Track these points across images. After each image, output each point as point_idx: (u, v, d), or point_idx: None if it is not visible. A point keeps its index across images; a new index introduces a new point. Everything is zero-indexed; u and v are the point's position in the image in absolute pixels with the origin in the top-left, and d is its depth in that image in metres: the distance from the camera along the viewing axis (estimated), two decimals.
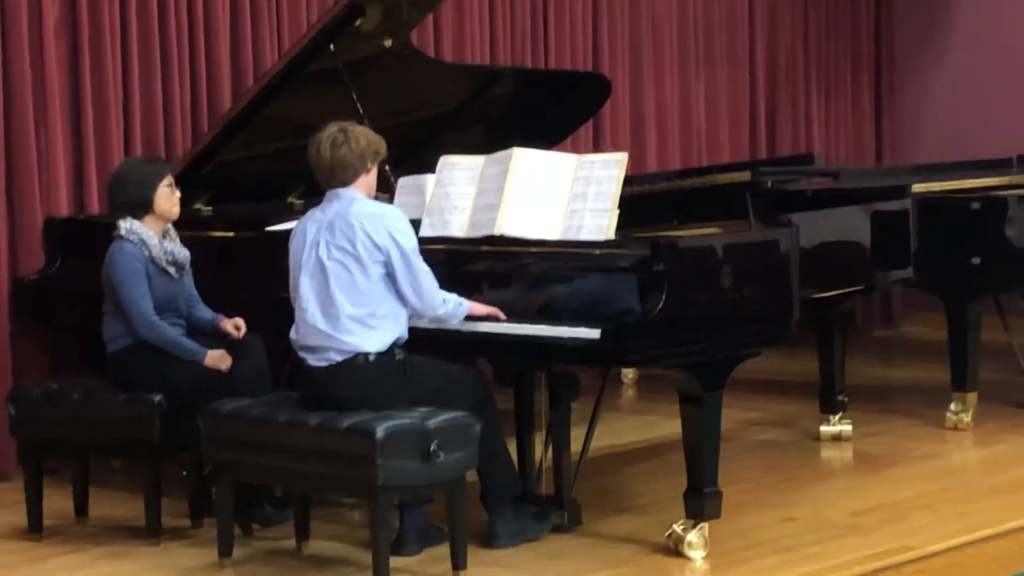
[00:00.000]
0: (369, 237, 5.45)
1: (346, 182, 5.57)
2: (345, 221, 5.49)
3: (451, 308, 5.58)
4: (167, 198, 6.15)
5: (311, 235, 5.56)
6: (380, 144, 5.66)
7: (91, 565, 5.84)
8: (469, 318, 5.66)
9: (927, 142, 11.24)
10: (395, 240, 5.46)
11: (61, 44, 7.47)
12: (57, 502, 6.36)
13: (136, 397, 5.99)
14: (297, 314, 5.59)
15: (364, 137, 5.60)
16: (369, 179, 5.64)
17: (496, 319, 5.68)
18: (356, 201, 5.55)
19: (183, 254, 6.19)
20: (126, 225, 6.09)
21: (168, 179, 6.17)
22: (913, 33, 11.43)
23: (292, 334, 5.61)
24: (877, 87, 11.46)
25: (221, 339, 6.17)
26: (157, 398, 5.94)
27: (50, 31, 7.37)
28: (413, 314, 5.59)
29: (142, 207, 6.12)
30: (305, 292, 5.55)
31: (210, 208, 7.23)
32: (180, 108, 7.85)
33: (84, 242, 7.26)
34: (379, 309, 5.48)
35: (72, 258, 7.29)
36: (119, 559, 5.88)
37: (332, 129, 5.60)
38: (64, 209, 7.43)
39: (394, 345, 5.53)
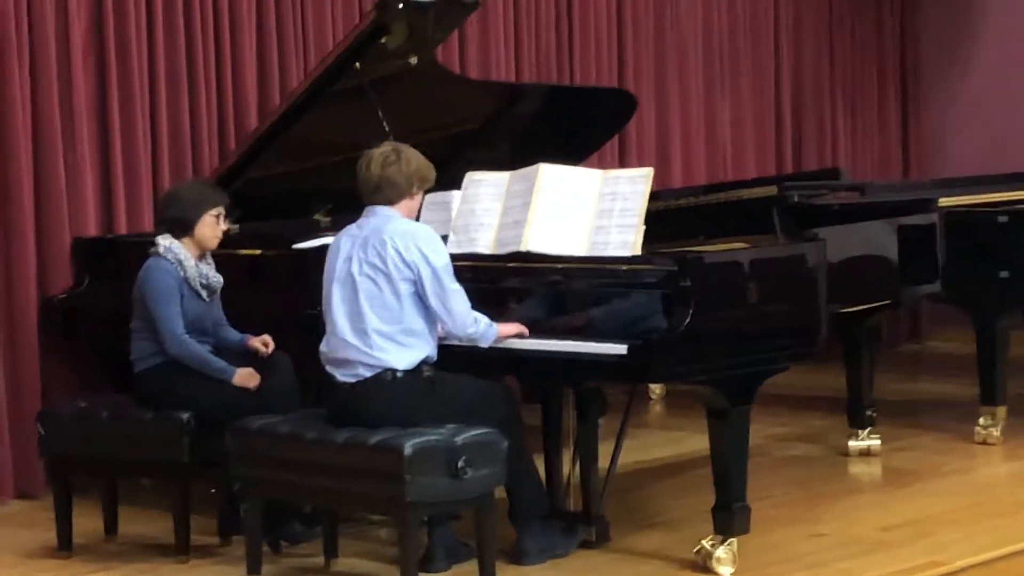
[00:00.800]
0: (399, 254, 5.47)
1: (390, 201, 5.60)
2: (378, 238, 5.51)
3: (482, 328, 5.58)
4: (211, 226, 6.18)
5: (345, 250, 5.59)
6: (430, 171, 5.69)
7: None
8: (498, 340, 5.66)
9: (953, 156, 11.21)
10: (425, 257, 5.47)
11: (88, 66, 7.50)
12: (86, 520, 6.37)
13: (164, 415, 6.00)
14: (328, 327, 5.61)
15: (416, 161, 5.64)
16: (412, 204, 5.68)
17: (522, 336, 5.69)
18: (392, 219, 5.57)
19: (217, 279, 6.21)
20: (165, 243, 6.11)
21: (219, 210, 6.20)
22: (938, 48, 11.42)
23: (322, 347, 5.63)
24: (903, 102, 11.45)
25: (250, 357, 6.18)
26: (185, 416, 5.96)
27: (78, 53, 7.40)
28: (445, 334, 5.59)
29: (183, 227, 6.15)
30: (336, 305, 5.56)
31: (237, 226, 7.24)
32: (207, 128, 7.87)
33: (111, 261, 7.29)
34: (409, 326, 5.49)
35: (99, 277, 7.32)
36: None
37: (386, 147, 5.66)
38: (92, 229, 7.46)
39: (423, 363, 5.53)
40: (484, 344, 5.61)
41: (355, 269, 5.53)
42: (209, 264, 6.23)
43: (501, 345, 5.66)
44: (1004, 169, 9.05)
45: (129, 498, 6.65)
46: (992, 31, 11.10)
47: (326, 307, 5.63)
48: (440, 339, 5.61)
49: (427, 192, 6.06)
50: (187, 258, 6.11)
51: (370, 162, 5.61)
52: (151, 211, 7.53)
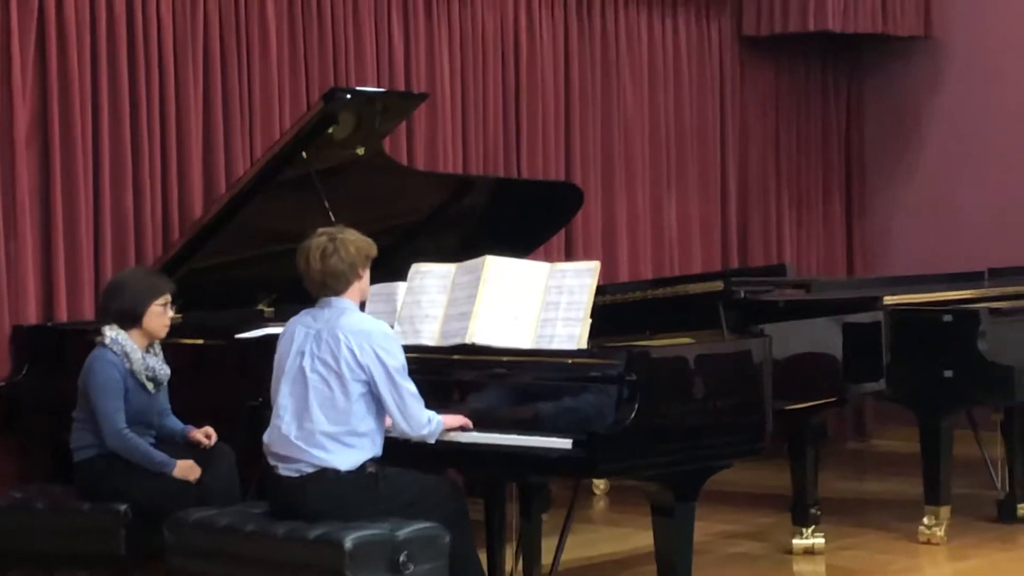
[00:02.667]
0: (353, 354, 5.40)
1: (338, 292, 5.53)
2: (332, 335, 5.43)
3: (434, 427, 5.52)
4: (159, 316, 6.12)
5: (298, 342, 5.51)
6: (370, 247, 5.62)
7: None
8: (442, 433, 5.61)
9: (898, 255, 11.27)
10: (380, 359, 5.40)
11: (32, 153, 7.45)
12: None
13: (102, 507, 5.91)
14: (273, 419, 5.53)
15: (353, 244, 5.54)
16: (362, 284, 5.61)
17: (465, 429, 5.64)
18: (346, 313, 5.50)
19: (164, 371, 6.14)
20: (111, 334, 6.03)
21: (165, 298, 6.14)
22: (883, 147, 11.50)
23: (265, 438, 5.55)
24: (848, 200, 11.51)
25: (191, 449, 6.11)
26: (123, 508, 5.88)
27: (21, 139, 7.36)
28: (399, 434, 5.52)
29: (131, 319, 6.08)
30: (283, 400, 5.49)
31: (180, 315, 7.17)
32: (151, 216, 7.82)
33: (52, 350, 7.21)
34: (356, 428, 5.42)
35: (39, 366, 7.23)
36: None
37: (321, 239, 5.55)
38: (32, 317, 7.38)
39: (367, 462, 5.46)
40: (432, 440, 5.55)
41: (307, 364, 5.46)
42: (156, 355, 6.16)
43: (445, 438, 5.61)
44: (948, 269, 9.09)
45: None
46: (936, 131, 11.18)
47: (273, 397, 5.56)
48: (386, 432, 5.54)
49: (373, 283, 6.02)
50: (133, 350, 6.04)
51: (308, 257, 5.52)
52: (92, 299, 7.45)
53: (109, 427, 5.94)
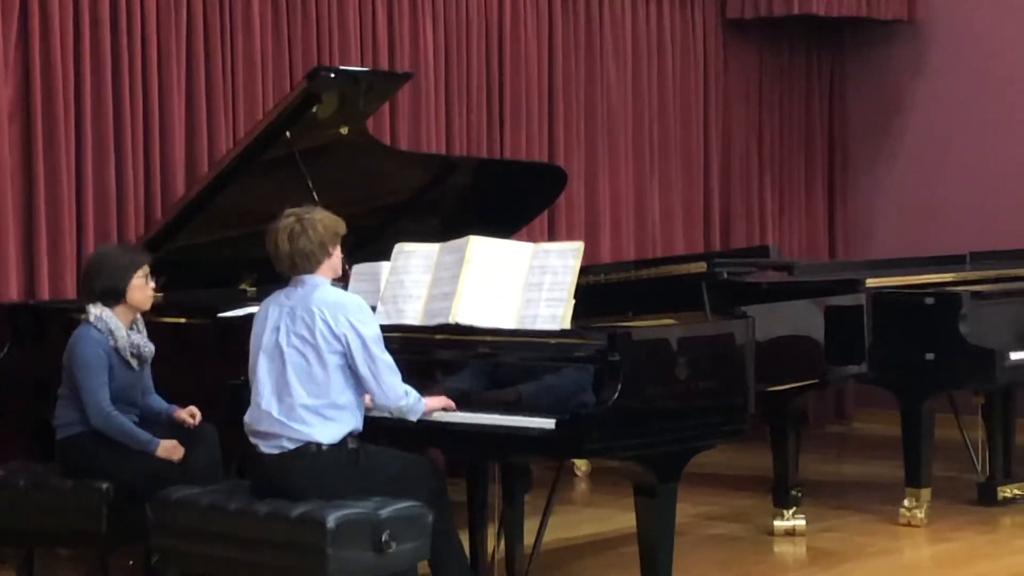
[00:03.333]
0: (328, 326, 5.40)
1: (309, 271, 5.52)
2: (306, 308, 5.44)
3: (412, 401, 5.51)
4: (141, 288, 6.10)
5: (273, 319, 5.51)
6: (338, 225, 5.61)
7: None
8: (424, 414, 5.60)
9: (880, 239, 11.29)
10: (355, 329, 5.40)
11: (14, 128, 7.44)
12: None
13: (84, 485, 5.90)
14: (252, 398, 5.52)
15: (321, 223, 5.54)
16: (333, 262, 5.59)
17: (448, 410, 5.63)
18: (319, 288, 5.50)
19: (148, 348, 6.12)
20: (95, 312, 6.01)
21: (144, 270, 6.12)
22: (865, 131, 11.52)
23: (246, 418, 5.54)
24: (830, 184, 11.53)
25: (175, 429, 6.10)
26: (105, 486, 5.86)
27: (3, 115, 7.34)
28: (376, 406, 5.52)
29: (114, 296, 6.05)
30: (262, 377, 5.49)
31: (162, 294, 7.15)
32: (134, 194, 7.81)
33: (34, 327, 7.19)
34: (335, 400, 5.42)
35: (21, 343, 7.21)
36: None
37: (288, 220, 5.54)
38: (14, 294, 7.36)
39: (348, 436, 5.46)
40: (412, 418, 5.54)
41: (283, 340, 5.46)
42: (140, 332, 6.14)
43: (427, 417, 5.60)
44: (929, 252, 9.11)
45: (47, 568, 6.53)
46: (918, 115, 11.20)
47: (252, 377, 5.56)
48: (367, 410, 5.55)
49: (356, 262, 6.02)
50: (118, 327, 6.02)
51: (276, 239, 5.52)
52: (74, 277, 7.44)
53: (93, 405, 5.92)
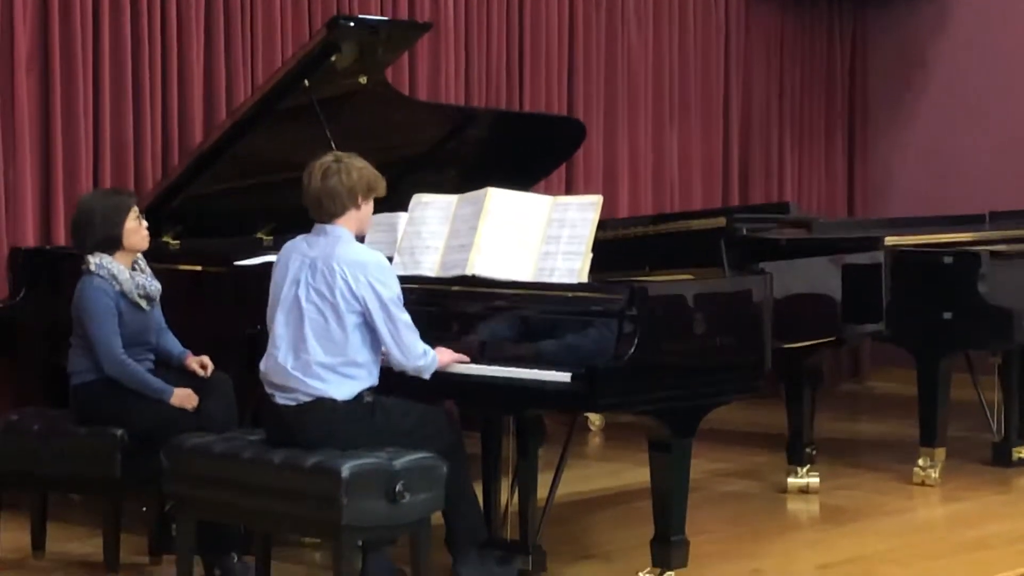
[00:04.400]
0: (348, 286, 5.35)
1: (333, 215, 5.45)
2: (327, 264, 5.38)
3: (429, 360, 5.47)
4: (135, 231, 6.06)
5: (293, 270, 5.45)
6: (377, 180, 5.53)
7: None
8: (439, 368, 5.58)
9: (899, 197, 11.25)
10: (374, 290, 5.35)
11: (32, 76, 7.42)
12: (14, 535, 6.27)
13: (98, 431, 5.90)
14: (269, 348, 5.49)
15: (358, 171, 5.47)
16: (360, 215, 5.51)
17: (461, 363, 5.61)
18: (341, 242, 5.43)
19: (154, 286, 6.10)
20: (95, 260, 5.98)
21: (134, 211, 6.07)
22: (887, 88, 11.47)
23: (262, 366, 5.53)
24: (850, 141, 11.49)
25: (189, 376, 6.08)
26: (119, 432, 5.86)
27: (21, 64, 7.33)
28: (394, 365, 5.49)
29: (111, 243, 6.02)
30: (279, 329, 5.45)
31: (178, 242, 7.15)
32: (151, 142, 7.80)
33: (49, 273, 7.19)
34: (352, 359, 5.39)
35: (37, 289, 7.21)
36: None
37: (327, 158, 5.48)
38: (30, 240, 7.36)
39: (364, 391, 5.44)
40: (427, 375, 5.52)
41: (302, 294, 5.41)
42: (144, 271, 6.11)
43: (442, 370, 5.57)
44: (948, 211, 9.08)
45: (59, 514, 6.55)
46: (939, 73, 11.16)
47: (269, 325, 5.53)
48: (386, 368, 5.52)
49: (375, 212, 5.98)
50: (121, 271, 5.99)
51: (311, 174, 5.45)
52: None
53: (106, 354, 5.91)
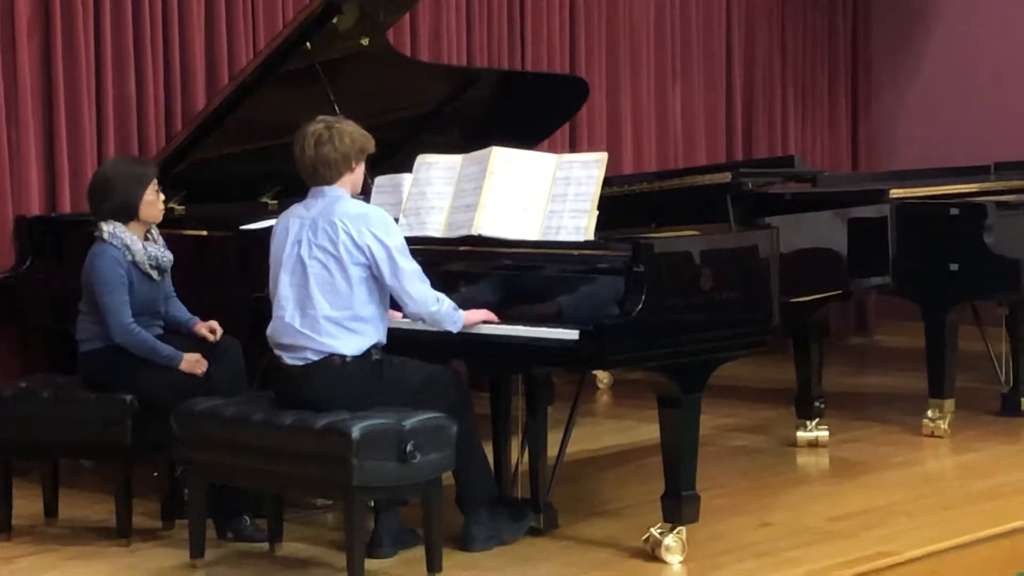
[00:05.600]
0: (351, 238, 5.37)
1: (329, 181, 5.48)
2: (328, 221, 5.41)
3: (445, 308, 5.47)
4: (153, 204, 6.06)
5: (293, 232, 5.48)
6: (367, 141, 5.57)
7: (61, 566, 5.76)
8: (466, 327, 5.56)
9: (903, 150, 11.24)
10: (379, 239, 5.37)
11: (33, 43, 7.41)
12: (26, 502, 6.28)
13: (107, 397, 5.90)
14: (275, 310, 5.51)
15: (349, 135, 5.49)
16: (354, 177, 5.55)
17: (489, 322, 5.60)
18: (341, 200, 5.46)
19: (166, 257, 6.09)
20: (109, 228, 5.97)
21: (153, 183, 6.07)
22: (889, 42, 11.44)
23: (268, 331, 5.54)
24: (853, 95, 11.47)
25: (198, 341, 6.09)
26: (129, 398, 5.86)
27: (22, 30, 7.31)
28: (408, 315, 5.50)
29: (127, 213, 6.01)
30: (284, 290, 5.47)
31: (183, 207, 7.14)
32: (154, 107, 7.79)
33: (55, 241, 7.20)
34: (358, 313, 5.40)
35: (43, 257, 7.22)
36: (89, 560, 5.80)
37: (318, 126, 5.50)
38: (35, 208, 7.36)
39: (372, 348, 5.45)
40: (452, 329, 5.50)
41: (304, 252, 5.44)
42: (156, 242, 6.12)
43: (469, 330, 5.56)
44: (952, 164, 9.05)
45: (70, 480, 6.57)
46: (942, 26, 11.13)
47: (273, 290, 5.54)
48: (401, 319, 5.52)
49: (378, 175, 5.99)
50: (134, 241, 5.99)
51: (303, 144, 5.47)
52: None
53: (115, 322, 5.91)
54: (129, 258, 5.96)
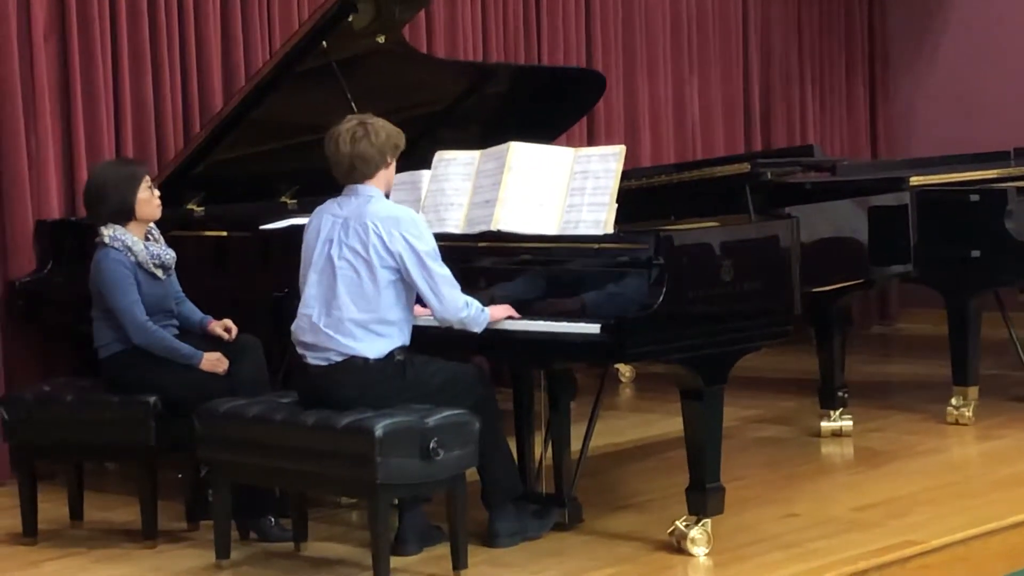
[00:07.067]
0: (382, 241, 5.36)
1: (366, 177, 5.48)
2: (360, 222, 5.40)
3: (473, 312, 5.46)
4: (148, 202, 6.06)
5: (325, 230, 5.48)
6: (400, 137, 5.57)
7: (87, 569, 5.77)
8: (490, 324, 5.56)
9: (921, 137, 11.21)
10: (409, 244, 5.36)
11: (51, 47, 7.41)
12: (52, 506, 6.31)
13: (130, 399, 5.91)
14: (301, 308, 5.51)
15: (384, 131, 5.50)
16: (388, 173, 5.56)
17: (511, 318, 5.60)
18: (373, 200, 5.45)
19: (169, 255, 6.10)
20: (109, 232, 5.98)
21: (147, 181, 6.07)
22: (906, 28, 11.41)
23: (293, 327, 5.54)
24: (871, 82, 11.44)
25: (218, 340, 6.09)
26: (152, 399, 5.87)
27: (39, 34, 7.31)
28: (438, 320, 5.49)
29: (124, 214, 6.02)
30: (312, 290, 5.47)
31: (202, 209, 7.15)
32: (171, 109, 7.78)
33: (75, 244, 7.19)
34: (385, 316, 5.40)
35: (63, 261, 7.22)
36: (115, 562, 5.82)
37: (351, 123, 5.49)
38: (55, 212, 7.37)
39: (395, 350, 5.44)
40: (476, 329, 5.49)
41: (335, 252, 5.43)
42: (157, 240, 6.12)
43: (493, 327, 5.55)
44: (971, 150, 9.01)
45: (95, 484, 6.59)
46: (959, 12, 11.09)
47: (301, 287, 5.54)
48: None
49: (397, 172, 5.98)
50: (135, 242, 5.99)
51: (338, 141, 5.47)
52: None
53: (131, 323, 5.91)
54: (132, 259, 5.96)
